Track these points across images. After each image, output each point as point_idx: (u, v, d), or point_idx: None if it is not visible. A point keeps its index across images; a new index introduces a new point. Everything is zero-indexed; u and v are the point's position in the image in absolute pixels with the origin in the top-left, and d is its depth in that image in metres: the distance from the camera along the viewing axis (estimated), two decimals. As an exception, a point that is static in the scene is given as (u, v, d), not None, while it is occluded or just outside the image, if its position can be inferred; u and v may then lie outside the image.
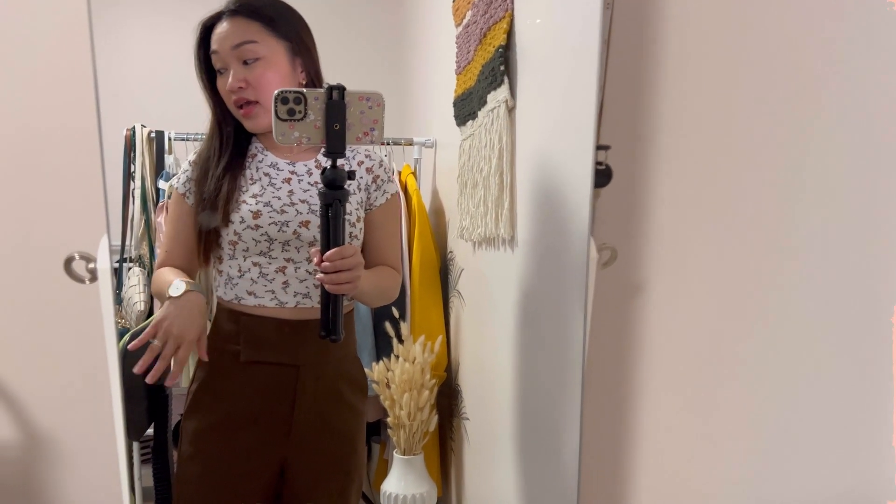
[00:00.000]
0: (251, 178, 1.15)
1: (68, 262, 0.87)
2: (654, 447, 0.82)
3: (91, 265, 0.86)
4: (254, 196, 1.12)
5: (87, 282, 0.86)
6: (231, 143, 1.17)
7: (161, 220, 1.60)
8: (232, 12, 1.12)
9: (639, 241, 0.76)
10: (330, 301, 1.01)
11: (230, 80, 1.11)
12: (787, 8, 0.62)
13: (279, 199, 1.13)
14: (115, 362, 0.78)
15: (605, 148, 0.67)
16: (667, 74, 0.71)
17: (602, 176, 0.67)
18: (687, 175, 0.72)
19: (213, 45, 1.12)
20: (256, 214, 1.11)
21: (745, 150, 0.69)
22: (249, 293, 1.14)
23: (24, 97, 0.99)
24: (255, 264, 1.13)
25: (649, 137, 0.72)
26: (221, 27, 1.12)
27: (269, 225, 1.11)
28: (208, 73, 1.16)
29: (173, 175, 1.70)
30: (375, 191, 1.21)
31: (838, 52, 0.59)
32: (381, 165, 1.22)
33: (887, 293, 0.58)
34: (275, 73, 1.11)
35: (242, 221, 1.10)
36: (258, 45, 1.10)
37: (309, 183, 1.16)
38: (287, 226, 1.12)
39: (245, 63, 1.11)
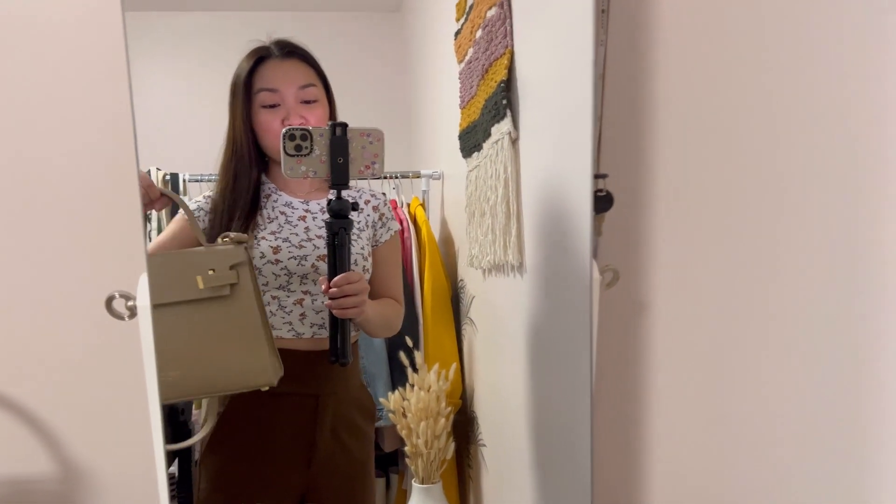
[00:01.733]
0: (268, 217, 1.21)
1: (109, 301, 0.91)
2: (665, 462, 0.84)
3: (130, 303, 0.90)
4: (272, 233, 1.18)
5: (127, 318, 0.91)
6: (252, 182, 1.22)
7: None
8: (288, 53, 1.21)
9: (641, 262, 0.79)
10: (338, 326, 1.08)
11: (290, 116, 1.17)
12: (785, 37, 0.65)
13: (297, 235, 1.19)
14: (155, 397, 0.82)
15: (603, 176, 0.71)
16: (661, 105, 0.76)
17: (603, 202, 0.71)
18: (684, 198, 0.76)
19: (271, 83, 1.18)
20: (276, 250, 1.16)
21: (738, 174, 0.72)
22: None
23: (66, 142, 1.06)
24: (273, 297, 1.17)
25: (647, 164, 0.76)
26: (281, 67, 1.19)
27: (289, 259, 1.16)
28: (245, 106, 1.20)
29: (189, 216, 1.76)
30: (381, 228, 1.29)
31: (840, 66, 0.62)
32: (385, 204, 1.32)
33: (890, 299, 0.60)
34: (324, 115, 1.21)
35: (263, 257, 1.16)
36: (316, 89, 1.21)
37: (323, 220, 1.21)
38: (306, 259, 1.18)
39: (304, 102, 1.17)
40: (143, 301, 0.87)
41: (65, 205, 1.07)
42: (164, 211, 1.80)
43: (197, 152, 1.87)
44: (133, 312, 0.89)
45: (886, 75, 0.55)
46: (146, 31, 2.00)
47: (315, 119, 1.19)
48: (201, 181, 1.78)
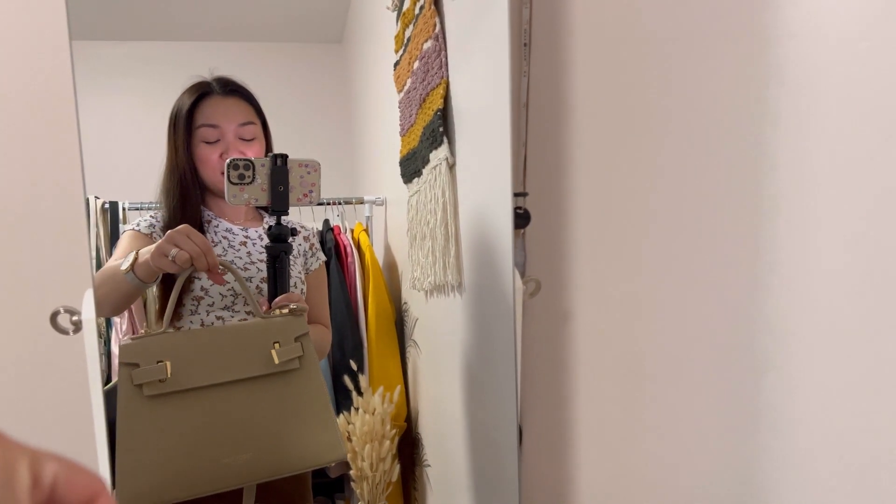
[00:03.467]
0: (212, 241, 1.23)
1: (54, 316, 0.91)
2: (591, 466, 0.88)
3: (75, 318, 0.90)
4: (218, 256, 1.19)
5: (72, 333, 0.91)
6: (194, 209, 1.24)
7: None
8: (230, 91, 1.25)
9: (564, 275, 0.84)
10: None
11: (230, 152, 1.20)
12: (696, 65, 0.72)
13: (241, 258, 1.23)
14: (100, 409, 0.82)
15: (524, 195, 0.77)
16: (579, 128, 0.82)
17: (522, 218, 0.76)
18: (603, 214, 0.82)
19: (211, 119, 1.22)
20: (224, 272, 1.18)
21: (652, 190, 0.78)
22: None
23: (11, 162, 1.06)
24: (218, 318, 1.19)
25: (569, 182, 0.82)
26: (222, 104, 1.23)
27: (236, 282, 1.18)
28: (186, 140, 1.23)
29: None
30: (311, 257, 1.37)
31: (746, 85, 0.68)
32: (314, 236, 1.40)
33: (801, 301, 0.64)
34: (260, 150, 1.26)
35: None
36: (255, 126, 1.26)
37: (262, 246, 1.25)
38: (251, 281, 1.21)
39: (242, 139, 1.21)
40: (88, 314, 0.87)
41: (11, 222, 1.06)
42: (103, 241, 1.78)
43: (135, 181, 1.86)
44: (78, 327, 0.90)
45: (781, 76, 0.61)
46: (85, 59, 1.99)
47: (252, 154, 1.23)
48: (141, 209, 1.77)
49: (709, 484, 0.74)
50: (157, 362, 0.95)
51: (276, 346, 1.05)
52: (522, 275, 0.83)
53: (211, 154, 1.23)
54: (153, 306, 1.52)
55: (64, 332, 0.91)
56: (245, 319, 1.20)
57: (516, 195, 0.74)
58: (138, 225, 1.25)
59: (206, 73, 1.29)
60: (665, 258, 0.75)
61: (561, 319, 0.84)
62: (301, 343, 1.06)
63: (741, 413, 0.67)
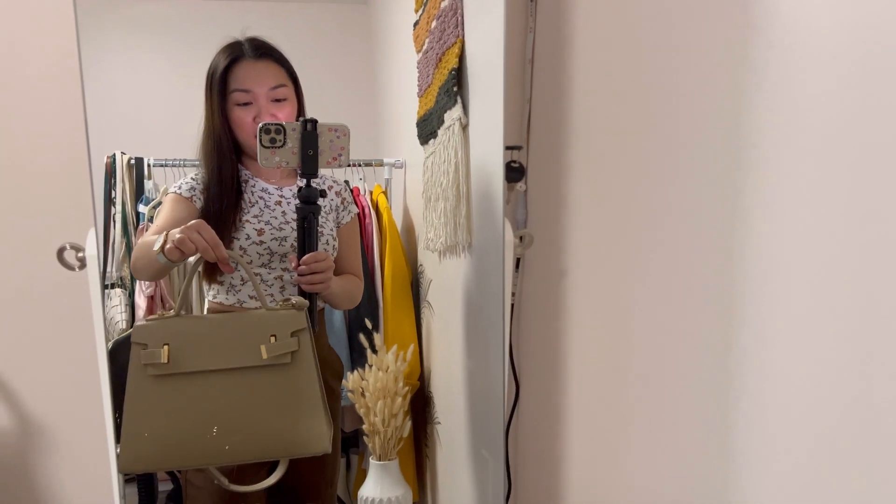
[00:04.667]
0: (249, 202, 1.28)
1: (60, 252, 0.95)
2: (583, 423, 0.90)
3: (80, 254, 0.94)
4: (255, 216, 1.26)
5: (77, 269, 0.95)
6: (233, 170, 1.28)
7: (141, 242, 1.67)
8: (261, 55, 1.27)
9: (560, 232, 0.84)
10: (306, 299, 1.16)
11: (261, 114, 1.23)
12: (702, 19, 0.70)
13: (276, 218, 1.28)
14: (102, 344, 0.86)
15: (518, 148, 0.77)
16: (582, 82, 0.81)
17: (514, 172, 0.76)
18: (598, 172, 0.81)
19: (243, 84, 1.25)
20: (260, 232, 1.25)
21: (653, 150, 0.78)
22: (251, 297, 1.27)
23: (20, 108, 1.10)
24: (256, 273, 1.26)
25: (564, 141, 0.81)
26: (253, 68, 1.26)
27: (271, 241, 1.25)
28: (220, 103, 1.26)
29: (152, 200, 1.78)
30: (343, 211, 1.39)
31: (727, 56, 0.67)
32: (346, 190, 1.42)
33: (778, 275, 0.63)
34: (292, 111, 1.29)
35: (248, 238, 1.24)
36: (286, 88, 1.28)
37: (297, 205, 1.28)
38: (285, 241, 1.26)
39: (275, 101, 1.24)
40: (92, 251, 0.91)
41: (20, 164, 1.11)
42: (128, 196, 1.83)
43: (160, 138, 1.89)
44: (83, 263, 0.93)
45: (767, 73, 0.60)
46: (115, 19, 2.01)
47: (284, 116, 1.27)
48: (165, 166, 1.80)
49: (695, 438, 0.74)
50: (163, 345, 1.04)
51: (272, 339, 1.09)
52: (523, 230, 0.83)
53: (245, 117, 1.26)
54: (176, 280, 1.58)
55: (70, 267, 0.95)
56: (280, 276, 1.25)
57: (508, 148, 0.74)
58: (179, 188, 1.28)
59: (238, 33, 1.30)
60: (661, 220, 0.75)
61: (557, 276, 0.84)
62: (298, 338, 1.09)
63: (722, 368, 0.67)
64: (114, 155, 1.80)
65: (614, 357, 0.83)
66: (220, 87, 1.25)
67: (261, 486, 1.14)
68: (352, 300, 1.39)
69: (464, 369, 1.31)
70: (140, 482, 1.44)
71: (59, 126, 1.11)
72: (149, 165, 1.82)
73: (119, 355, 1.07)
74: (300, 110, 1.33)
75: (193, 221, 1.06)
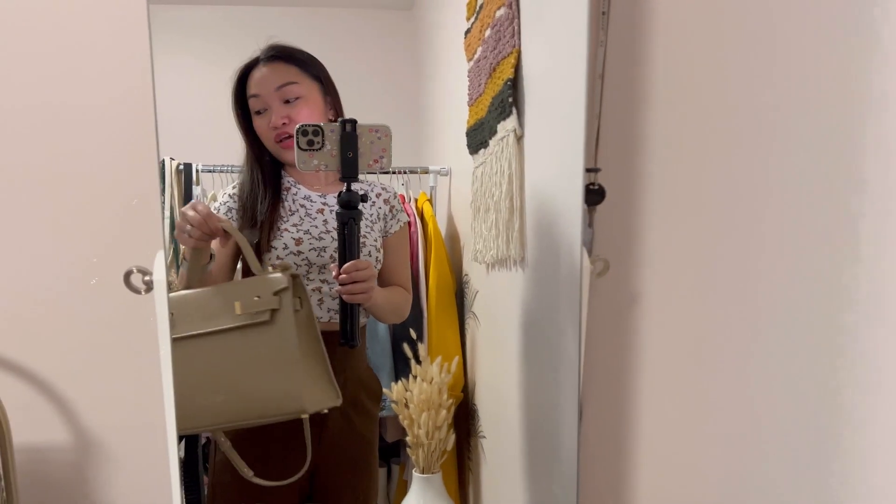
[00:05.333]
0: (289, 210, 1.26)
1: (127, 276, 0.96)
2: (653, 450, 0.86)
3: (147, 278, 0.94)
4: (294, 225, 1.24)
5: (143, 293, 0.95)
6: (270, 178, 1.27)
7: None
8: (270, 58, 1.26)
9: (634, 254, 0.81)
10: (348, 311, 1.14)
11: (273, 118, 1.22)
12: (781, 36, 0.67)
13: (316, 227, 1.25)
14: (168, 368, 0.86)
15: (596, 170, 0.74)
16: (656, 102, 0.78)
17: (595, 195, 0.74)
18: (678, 192, 0.78)
19: (254, 90, 1.24)
20: (298, 241, 1.23)
21: (731, 169, 0.74)
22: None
23: (90, 125, 1.11)
24: None
25: (642, 159, 0.78)
26: (261, 72, 1.24)
27: (310, 251, 1.23)
28: (244, 115, 1.26)
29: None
30: (391, 219, 1.35)
31: (837, 63, 0.64)
32: (395, 197, 1.38)
33: (883, 298, 0.61)
34: (312, 110, 1.25)
35: (286, 248, 1.22)
36: (298, 86, 1.25)
37: (337, 210, 1.26)
38: (325, 251, 1.24)
39: (286, 102, 1.22)
40: (160, 276, 0.91)
41: (87, 183, 1.12)
42: (177, 201, 1.85)
43: (210, 143, 1.91)
44: (149, 287, 0.93)
45: (882, 71, 0.56)
46: (161, 23, 2.04)
47: (301, 116, 1.23)
48: (214, 171, 1.82)
49: (782, 485, 0.71)
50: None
51: (256, 299, 1.10)
52: (589, 252, 0.81)
53: (262, 125, 1.25)
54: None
55: (136, 291, 0.95)
56: (319, 288, 1.23)
57: (588, 171, 0.72)
58: (218, 210, 1.28)
59: (263, 42, 1.30)
60: (745, 244, 0.71)
61: (629, 301, 0.81)
62: (280, 297, 1.09)
63: (820, 413, 0.63)
64: (163, 161, 1.82)
65: (692, 394, 0.79)
66: (235, 100, 1.26)
67: (283, 482, 1.15)
68: (398, 314, 1.36)
69: (520, 388, 1.28)
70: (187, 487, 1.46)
71: (130, 145, 1.12)
72: (197, 171, 1.84)
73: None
74: (337, 111, 1.30)
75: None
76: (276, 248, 1.22)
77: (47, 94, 1.11)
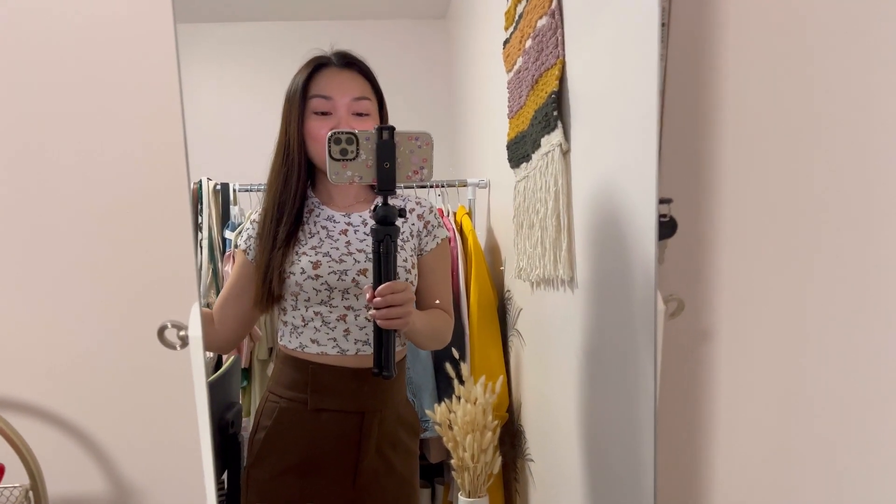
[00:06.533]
0: (310, 233, 1.19)
1: (161, 331, 0.91)
2: (729, 494, 0.80)
3: (182, 332, 0.90)
4: (313, 248, 1.17)
5: (178, 348, 0.91)
6: (295, 198, 1.20)
7: (228, 269, 1.67)
8: (347, 64, 1.19)
9: (704, 290, 0.75)
10: (382, 338, 1.02)
11: (340, 126, 1.14)
12: (859, 55, 0.61)
13: (337, 249, 1.17)
14: (205, 423, 0.82)
15: (668, 201, 0.68)
16: (725, 125, 0.72)
17: (666, 228, 0.67)
18: (750, 224, 0.72)
19: (325, 90, 1.16)
20: (316, 265, 1.15)
21: (808, 200, 0.68)
22: (313, 341, 1.17)
23: (122, 176, 1.09)
24: (316, 314, 1.16)
25: (710, 187, 0.72)
26: (336, 75, 1.17)
27: (329, 274, 1.15)
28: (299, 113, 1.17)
29: (238, 224, 1.78)
30: (426, 236, 1.24)
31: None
32: (430, 212, 1.26)
33: None
34: None
35: (303, 272, 1.15)
36: (370, 103, 1.19)
37: (365, 233, 1.20)
38: (346, 274, 1.15)
39: (357, 115, 1.16)
40: (196, 331, 0.87)
41: (121, 236, 1.09)
42: (214, 221, 1.84)
43: (245, 162, 1.89)
44: (185, 342, 0.89)
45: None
46: (197, 41, 2.04)
47: None
48: (251, 191, 1.80)
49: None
50: None
51: None
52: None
53: (321, 127, 1.14)
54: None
55: (171, 346, 0.90)
56: (344, 316, 1.16)
57: (662, 202, 0.65)
58: (241, 238, 1.23)
59: (326, 47, 1.24)
60: (824, 277, 0.65)
61: (699, 338, 0.76)
62: None
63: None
64: (200, 181, 1.82)
65: (772, 437, 0.73)
66: (300, 95, 1.16)
67: None
68: (439, 339, 1.24)
69: (577, 414, 1.21)
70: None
71: (165, 196, 1.09)
72: (234, 191, 1.83)
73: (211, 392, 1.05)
74: None
75: None
76: (293, 274, 1.15)
77: (77, 141, 1.08)
